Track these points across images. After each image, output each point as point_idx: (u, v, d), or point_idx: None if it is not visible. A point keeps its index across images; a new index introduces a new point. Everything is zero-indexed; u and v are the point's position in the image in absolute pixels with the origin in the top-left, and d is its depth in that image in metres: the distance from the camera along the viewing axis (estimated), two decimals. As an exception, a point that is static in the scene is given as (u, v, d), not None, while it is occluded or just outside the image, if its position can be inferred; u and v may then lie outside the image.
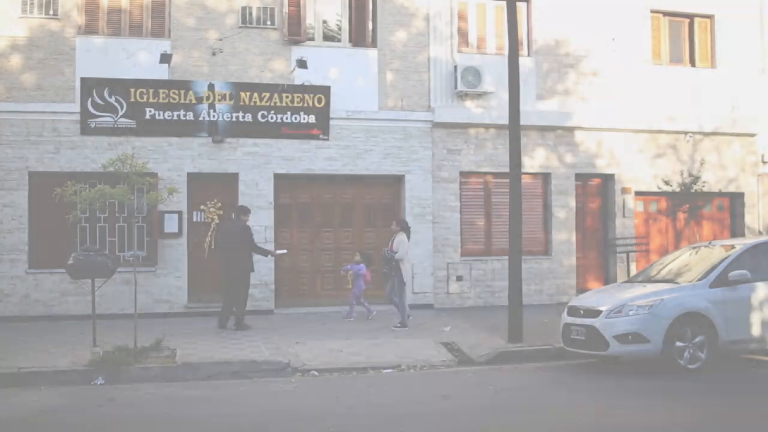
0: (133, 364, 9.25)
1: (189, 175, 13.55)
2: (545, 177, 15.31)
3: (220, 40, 13.69)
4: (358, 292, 12.82)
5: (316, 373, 9.39)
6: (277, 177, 13.93)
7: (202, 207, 13.84)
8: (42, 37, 13.13)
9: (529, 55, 15.22)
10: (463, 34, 15.04)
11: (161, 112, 13.34)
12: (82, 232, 13.22)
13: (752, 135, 16.38)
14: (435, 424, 6.74)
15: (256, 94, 13.67)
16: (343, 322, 12.55)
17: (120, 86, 13.13)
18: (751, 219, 16.43)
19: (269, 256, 12.87)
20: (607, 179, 15.72)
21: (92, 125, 13.12)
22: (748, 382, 8.72)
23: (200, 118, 13.49)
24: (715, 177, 16.05)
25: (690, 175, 15.42)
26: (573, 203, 15.38)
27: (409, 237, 12.39)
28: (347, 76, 14.22)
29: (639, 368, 9.28)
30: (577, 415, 7.05)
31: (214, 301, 13.03)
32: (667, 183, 15.41)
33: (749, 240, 10.53)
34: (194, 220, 13.78)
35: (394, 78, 14.45)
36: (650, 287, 9.59)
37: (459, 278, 14.58)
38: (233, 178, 13.76)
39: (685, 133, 15.94)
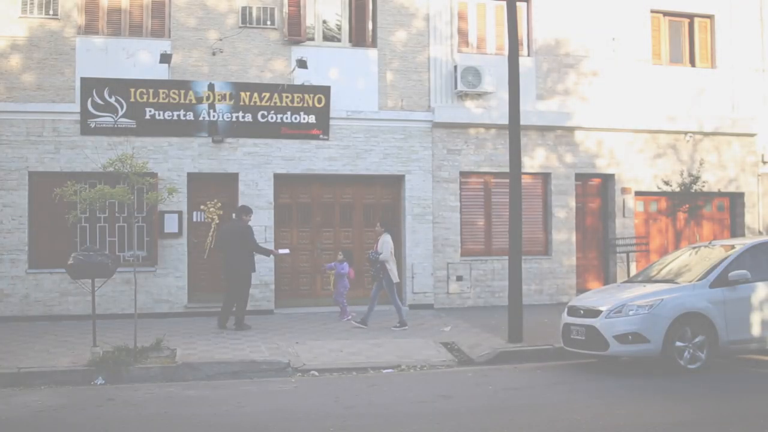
0: (133, 364, 9.25)
1: (189, 175, 13.55)
2: (545, 177, 15.31)
3: (220, 40, 13.69)
4: (343, 290, 12.83)
5: (316, 373, 9.39)
6: (277, 177, 13.93)
7: (202, 207, 13.84)
8: (42, 37, 13.13)
9: (529, 55, 15.23)
10: (463, 34, 15.05)
11: (161, 112, 13.34)
12: (82, 232, 13.22)
13: (752, 135, 16.38)
14: (435, 424, 6.74)
15: (256, 94, 13.67)
16: (342, 323, 12.55)
17: (120, 86, 13.13)
18: (751, 219, 16.43)
19: (271, 256, 12.88)
20: (607, 179, 15.72)
21: (92, 125, 13.11)
22: (748, 382, 8.72)
23: (200, 118, 13.49)
24: (715, 177, 16.05)
25: (690, 175, 15.42)
26: (573, 203, 15.38)
27: (394, 237, 12.38)
28: (347, 76, 14.22)
29: (639, 368, 9.29)
30: (577, 414, 7.06)
31: (214, 301, 13.04)
32: (667, 183, 15.40)
33: (749, 240, 10.53)
34: (194, 220, 13.78)
35: (394, 78, 14.45)
36: (650, 287, 9.59)
37: (459, 278, 14.58)
38: (233, 178, 13.75)
39: (685, 133, 15.94)
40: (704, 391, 8.09)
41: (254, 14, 13.87)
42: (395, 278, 12.04)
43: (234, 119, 13.61)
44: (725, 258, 9.51)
